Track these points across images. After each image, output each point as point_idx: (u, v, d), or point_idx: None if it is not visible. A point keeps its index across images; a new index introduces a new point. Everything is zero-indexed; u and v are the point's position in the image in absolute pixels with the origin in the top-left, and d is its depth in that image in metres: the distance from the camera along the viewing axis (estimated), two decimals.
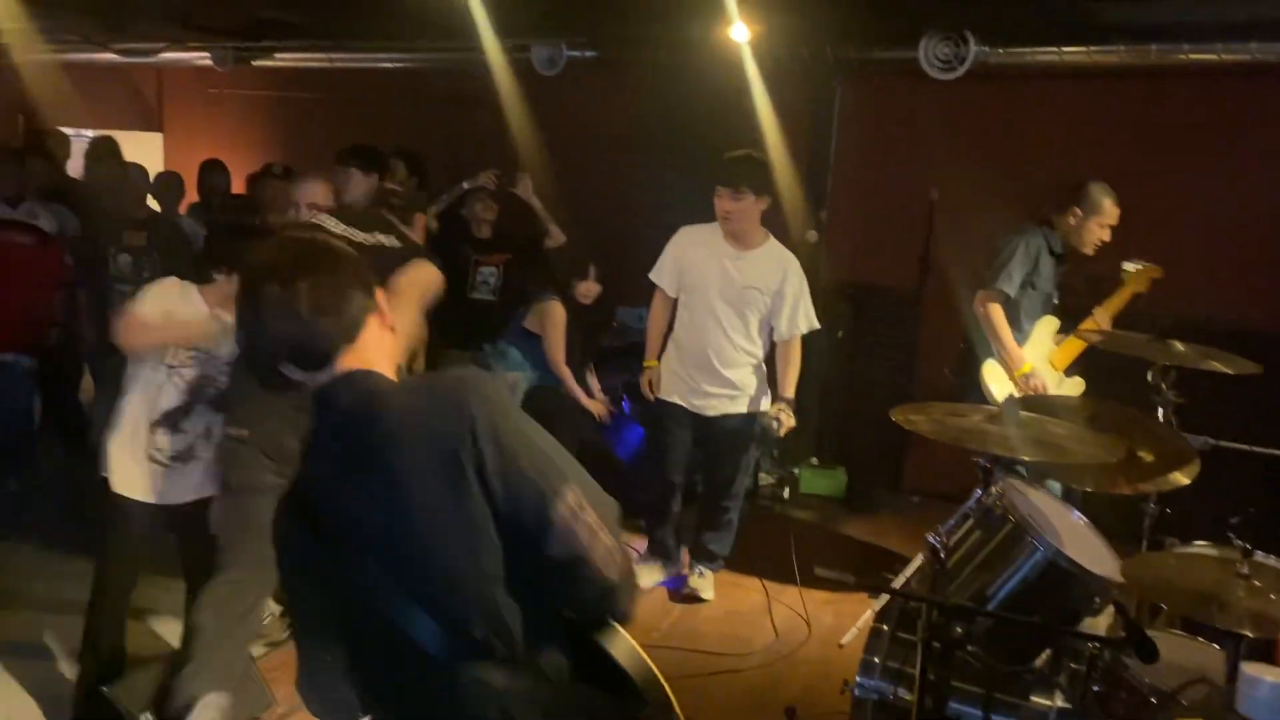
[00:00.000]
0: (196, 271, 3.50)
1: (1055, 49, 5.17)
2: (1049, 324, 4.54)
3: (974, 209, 5.78)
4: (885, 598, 2.75)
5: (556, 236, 5.66)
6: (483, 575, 1.56)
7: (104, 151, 6.71)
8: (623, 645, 1.68)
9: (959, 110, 5.74)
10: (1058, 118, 5.63)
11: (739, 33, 5.01)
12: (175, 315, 3.30)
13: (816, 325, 4.47)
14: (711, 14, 5.02)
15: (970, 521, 2.77)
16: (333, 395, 1.63)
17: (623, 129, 6.53)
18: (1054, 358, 4.51)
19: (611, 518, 1.60)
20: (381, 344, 1.69)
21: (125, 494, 3.37)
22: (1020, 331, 4.43)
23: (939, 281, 5.72)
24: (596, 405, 5.33)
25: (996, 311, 4.36)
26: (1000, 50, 5.19)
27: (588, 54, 6.30)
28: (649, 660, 1.68)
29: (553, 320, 5.23)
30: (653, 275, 4.55)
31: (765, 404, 4.50)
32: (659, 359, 4.62)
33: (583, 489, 1.58)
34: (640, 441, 5.69)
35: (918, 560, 2.66)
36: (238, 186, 6.96)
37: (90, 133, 8.54)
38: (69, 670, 3.93)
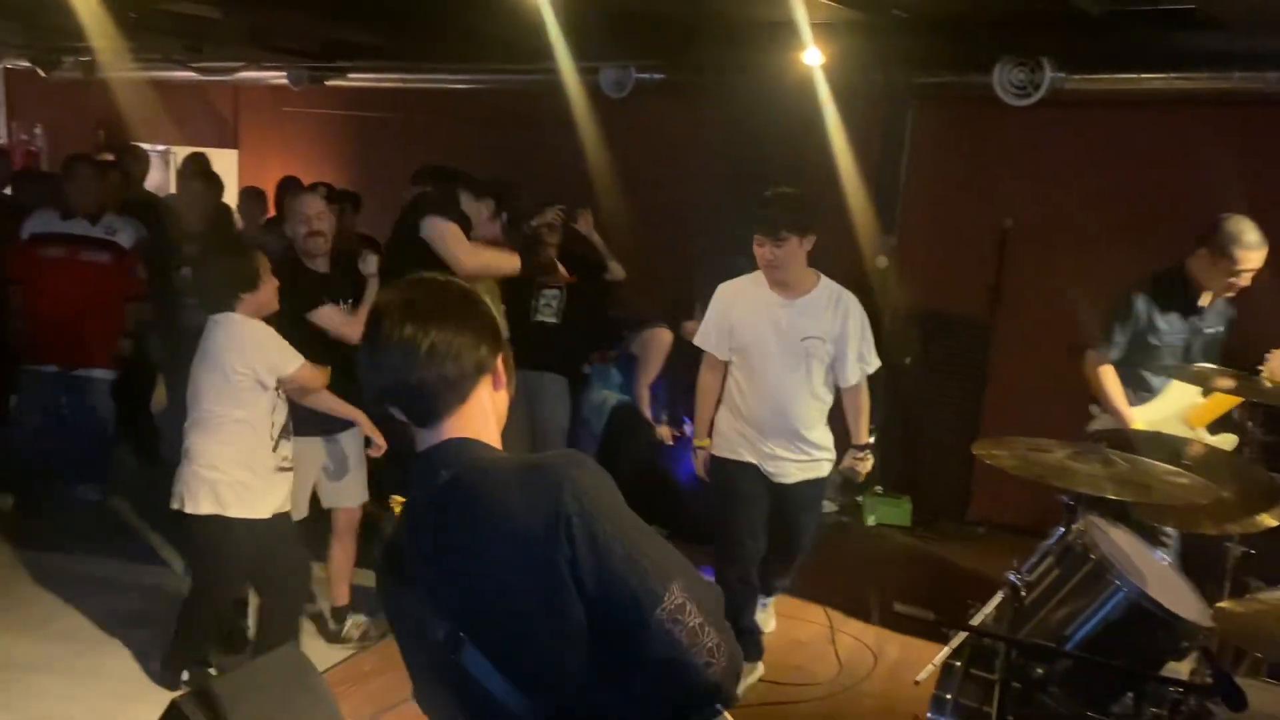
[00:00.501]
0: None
1: (1134, 76, 5.07)
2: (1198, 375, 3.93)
3: (1050, 239, 5.72)
4: (962, 634, 2.70)
5: (616, 271, 5.66)
6: (573, 669, 1.51)
7: (196, 168, 6.91)
8: None
9: (1034, 137, 5.67)
10: (1138, 147, 5.53)
11: (812, 57, 5.00)
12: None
13: (878, 364, 4.03)
14: (784, 39, 5.01)
15: (1050, 559, 2.72)
16: (433, 464, 1.60)
17: (690, 152, 6.53)
18: (1192, 415, 4.10)
19: (714, 607, 1.54)
20: (491, 405, 1.67)
21: (250, 515, 3.65)
22: (1149, 390, 4.12)
23: (1011, 311, 5.64)
24: (664, 430, 5.37)
25: (1100, 373, 4.09)
26: (1077, 77, 5.11)
27: (656, 77, 6.33)
28: None
29: (655, 346, 5.39)
30: (698, 340, 4.07)
31: (839, 457, 4.11)
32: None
33: (686, 585, 1.50)
34: None
35: (997, 597, 2.60)
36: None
37: (163, 147, 8.78)
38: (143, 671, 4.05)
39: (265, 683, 3.25)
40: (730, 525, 4.00)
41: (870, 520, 5.94)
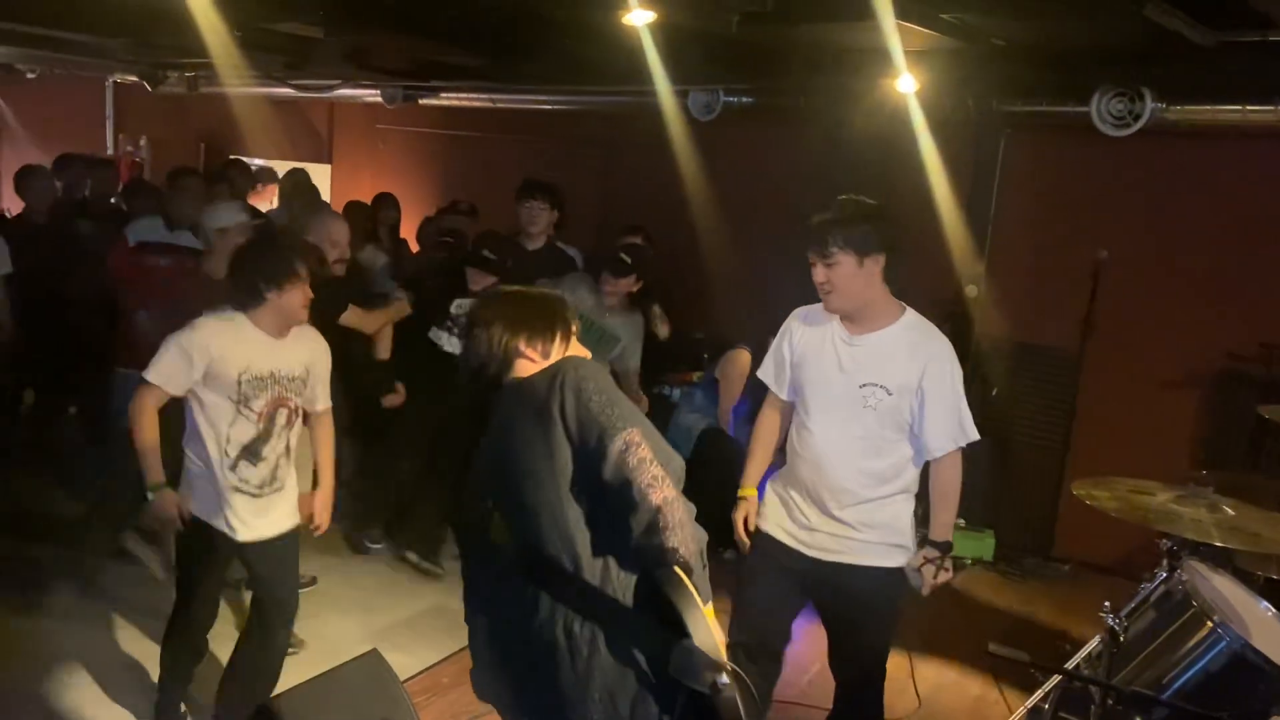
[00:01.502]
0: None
1: (1239, 107, 4.93)
2: None
3: (1147, 272, 5.58)
4: (1056, 677, 2.63)
5: (660, 331, 5.61)
6: (559, 499, 2.01)
7: (299, 182, 7.13)
8: (683, 594, 1.92)
9: (1132, 169, 5.54)
10: (1243, 181, 5.37)
11: (906, 84, 4.96)
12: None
13: (975, 436, 3.15)
14: (877, 65, 4.99)
15: (1149, 603, 2.64)
16: (497, 398, 2.23)
17: (778, 175, 6.52)
18: None
19: (670, 468, 1.95)
20: (534, 368, 2.19)
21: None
22: None
23: (1103, 344, 5.52)
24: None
25: None
26: (1178, 107, 4.99)
27: (744, 100, 6.34)
28: (713, 625, 1.92)
29: (734, 368, 5.39)
30: (760, 373, 3.40)
31: (906, 555, 3.18)
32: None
33: (645, 437, 1.95)
34: None
35: (1094, 641, 2.53)
36: (408, 219, 7.24)
37: (260, 161, 9.04)
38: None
39: (347, 691, 3.31)
40: (741, 594, 3.33)
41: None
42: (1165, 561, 2.60)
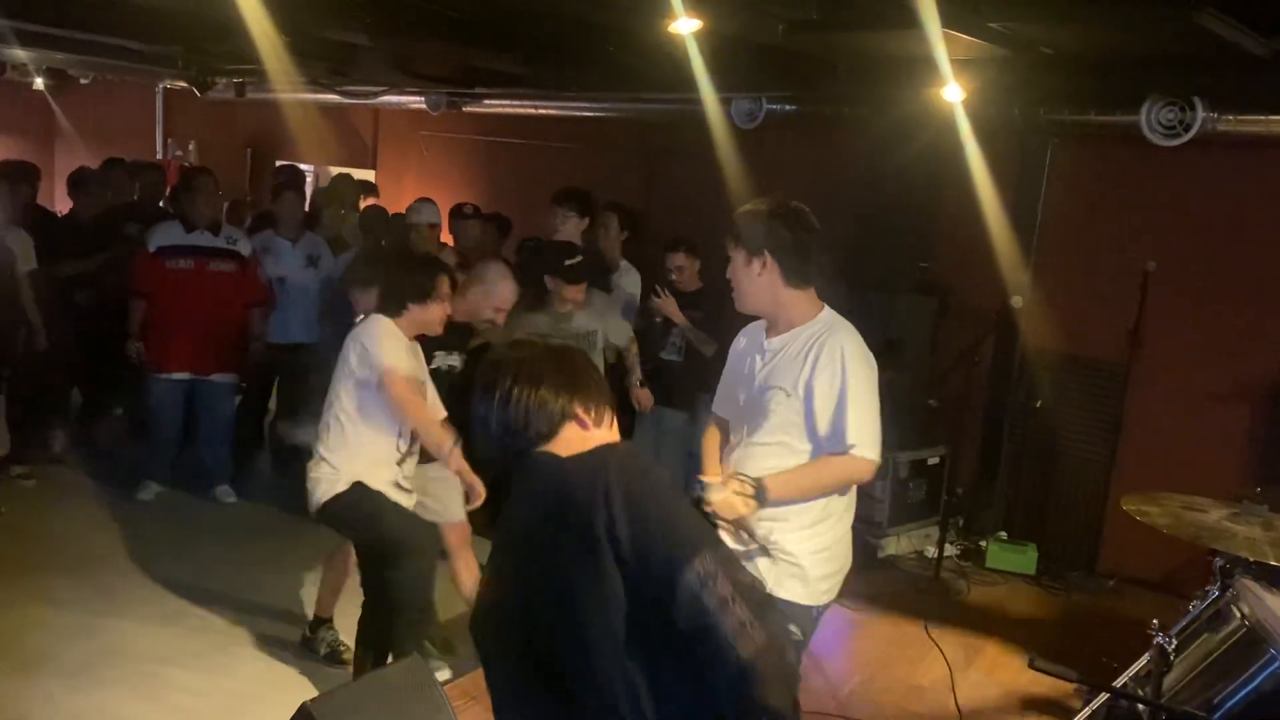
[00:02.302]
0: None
1: None
2: None
3: (1196, 284, 5.49)
4: (1104, 695, 2.60)
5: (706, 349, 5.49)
6: (610, 642, 1.59)
7: (343, 186, 7.24)
8: None
9: (1181, 179, 5.46)
10: None
11: (952, 93, 4.92)
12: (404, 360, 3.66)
13: (857, 448, 2.74)
14: (922, 74, 4.95)
15: (1199, 621, 2.60)
16: (523, 470, 1.84)
17: (821, 184, 6.49)
18: None
19: (759, 601, 1.58)
20: (580, 442, 1.82)
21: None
22: None
23: (1151, 357, 5.43)
24: None
25: None
26: (1230, 117, 4.90)
27: (787, 108, 6.32)
28: None
29: None
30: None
31: (802, 588, 2.83)
32: None
33: (721, 563, 1.56)
34: None
35: (1143, 659, 2.49)
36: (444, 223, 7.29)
37: (307, 166, 9.16)
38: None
39: (388, 694, 3.33)
40: None
41: (992, 566, 5.75)
42: (1217, 580, 2.56)
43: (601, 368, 5.03)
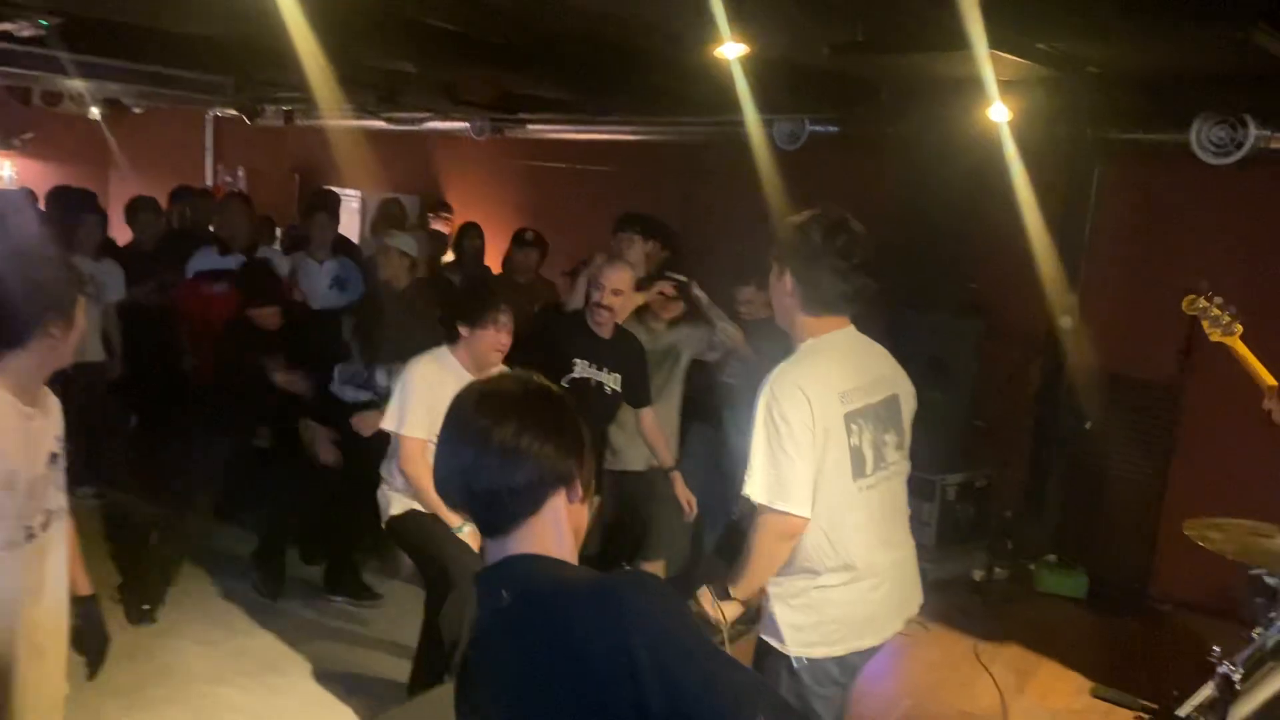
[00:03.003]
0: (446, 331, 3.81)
1: None
2: None
3: (1249, 303, 5.39)
4: None
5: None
6: None
7: (391, 211, 7.32)
8: None
9: (1233, 197, 5.39)
10: None
11: (998, 113, 4.90)
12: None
13: (751, 495, 2.55)
14: (967, 94, 4.94)
15: (1265, 650, 2.55)
16: (495, 582, 1.54)
17: (865, 204, 6.43)
18: None
19: None
20: (566, 519, 1.58)
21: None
22: None
23: (1204, 378, 5.35)
24: None
25: None
26: None
27: (830, 129, 6.32)
28: None
29: None
30: None
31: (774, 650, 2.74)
32: None
33: (772, 714, 1.42)
34: None
35: (1207, 688, 2.45)
36: (491, 248, 7.36)
37: (353, 192, 9.29)
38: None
39: (444, 713, 3.36)
40: None
41: (1042, 590, 5.67)
42: None
43: (680, 391, 5.03)
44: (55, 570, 2.43)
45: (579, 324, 4.40)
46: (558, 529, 1.55)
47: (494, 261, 7.27)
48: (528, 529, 1.53)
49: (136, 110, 10.57)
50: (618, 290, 4.30)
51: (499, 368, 3.76)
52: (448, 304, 3.91)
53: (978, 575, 5.66)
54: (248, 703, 4.16)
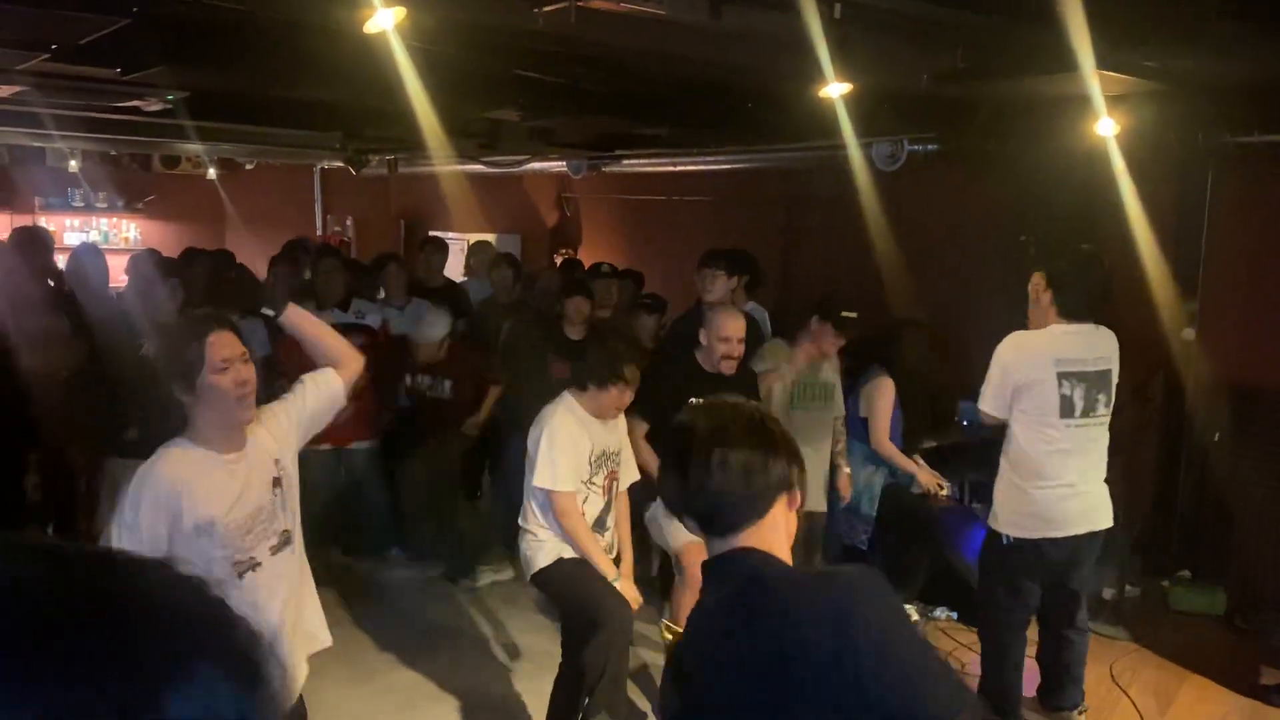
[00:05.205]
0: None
1: None
2: None
3: None
4: None
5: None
6: None
7: (483, 253, 7.52)
8: None
9: None
10: None
11: (1105, 128, 4.83)
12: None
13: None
14: (1072, 109, 4.89)
15: None
16: (727, 569, 1.71)
17: (968, 222, 6.45)
18: None
19: None
20: (784, 523, 1.75)
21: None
22: None
23: None
24: (927, 475, 5.16)
25: None
26: None
27: (930, 148, 6.29)
28: None
29: (879, 394, 5.12)
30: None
31: None
32: None
33: (973, 714, 1.55)
34: None
35: None
36: None
37: (454, 235, 9.55)
38: None
39: None
40: None
41: (1177, 609, 5.52)
42: None
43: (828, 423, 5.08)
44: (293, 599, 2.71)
45: (693, 368, 4.41)
46: (777, 532, 1.73)
47: None
48: (755, 529, 1.71)
49: (248, 167, 11.08)
50: (741, 338, 4.35)
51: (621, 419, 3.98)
52: (577, 365, 3.98)
53: (1108, 594, 5.54)
54: None
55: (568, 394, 3.85)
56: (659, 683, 4.65)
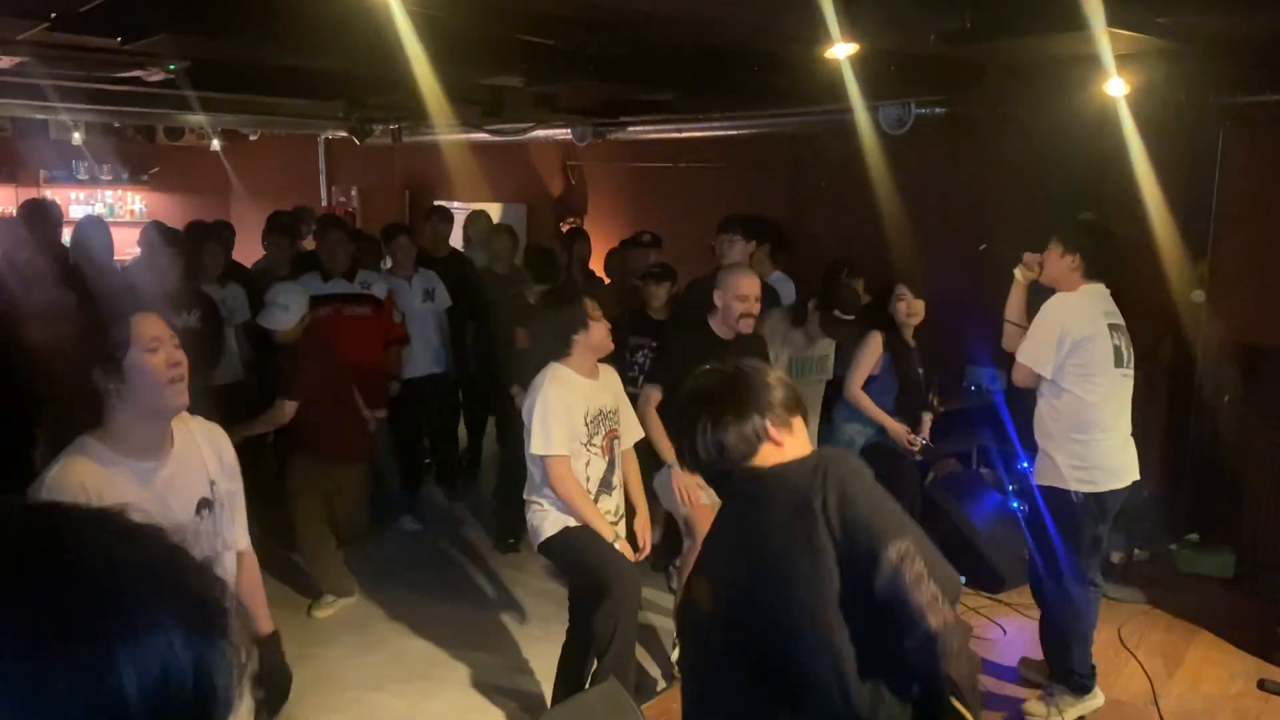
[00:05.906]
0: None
1: None
2: None
3: None
4: None
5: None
6: (826, 611, 1.83)
7: (480, 223, 7.50)
8: None
9: None
10: None
11: (1115, 88, 4.77)
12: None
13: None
14: (1081, 70, 4.83)
15: None
16: (731, 485, 2.10)
17: (976, 186, 6.40)
18: None
19: (948, 585, 1.79)
20: (787, 440, 2.07)
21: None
22: None
23: None
24: (896, 427, 5.03)
25: None
26: None
27: (937, 112, 6.22)
28: None
29: (863, 348, 5.08)
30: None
31: None
32: None
33: (919, 547, 1.78)
34: (997, 510, 5.50)
35: None
36: (598, 253, 7.47)
37: (459, 204, 9.50)
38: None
39: (588, 716, 3.46)
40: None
41: (1185, 571, 5.52)
42: None
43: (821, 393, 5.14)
44: None
45: (706, 335, 4.38)
46: (780, 450, 2.06)
47: (597, 265, 7.39)
48: (758, 456, 2.05)
49: (252, 138, 11.02)
50: (758, 295, 4.33)
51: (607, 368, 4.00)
52: (559, 323, 3.96)
53: (1117, 557, 5.54)
54: (403, 708, 4.33)
55: (553, 363, 3.84)
56: (667, 648, 4.70)
